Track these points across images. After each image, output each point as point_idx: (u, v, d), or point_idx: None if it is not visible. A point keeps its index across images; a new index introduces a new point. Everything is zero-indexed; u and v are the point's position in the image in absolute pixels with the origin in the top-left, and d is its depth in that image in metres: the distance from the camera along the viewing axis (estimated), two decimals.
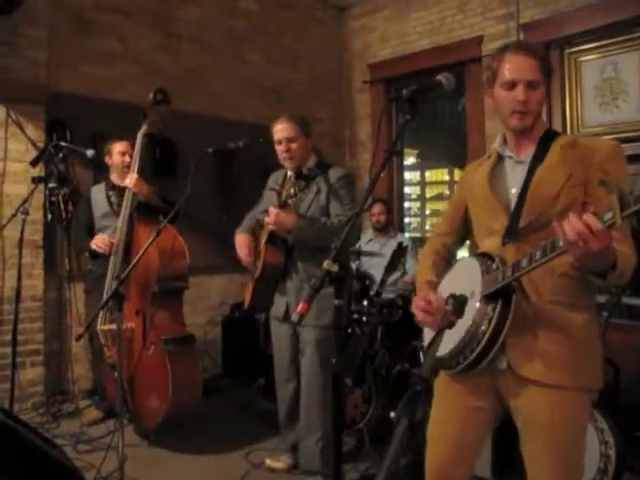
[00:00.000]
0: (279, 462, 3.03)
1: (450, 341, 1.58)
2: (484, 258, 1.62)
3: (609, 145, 1.60)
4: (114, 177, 3.69)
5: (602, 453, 2.50)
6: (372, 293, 3.67)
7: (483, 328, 1.50)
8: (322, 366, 2.76)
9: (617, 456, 2.49)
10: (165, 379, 3.12)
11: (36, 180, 3.59)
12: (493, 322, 1.50)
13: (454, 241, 1.93)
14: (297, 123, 2.80)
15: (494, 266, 1.56)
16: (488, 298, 1.52)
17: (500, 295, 1.51)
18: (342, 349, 1.59)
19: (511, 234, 1.60)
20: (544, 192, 1.57)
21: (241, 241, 2.95)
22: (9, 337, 3.42)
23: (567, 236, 1.27)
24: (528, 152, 1.66)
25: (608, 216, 1.21)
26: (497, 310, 1.50)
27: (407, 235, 5.58)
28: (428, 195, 8.27)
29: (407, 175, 6.47)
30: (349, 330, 3.51)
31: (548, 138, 1.65)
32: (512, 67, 1.60)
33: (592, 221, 1.23)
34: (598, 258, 1.31)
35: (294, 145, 2.79)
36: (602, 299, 3.03)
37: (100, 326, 3.32)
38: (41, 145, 3.82)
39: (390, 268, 3.53)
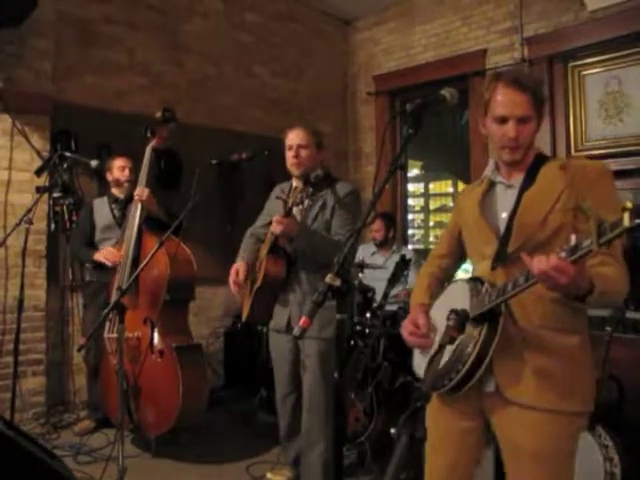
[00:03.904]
0: (280, 476, 3.01)
1: (437, 362, 1.59)
2: (475, 282, 1.63)
3: (598, 167, 1.60)
4: (115, 191, 3.74)
5: (607, 471, 2.47)
6: (375, 306, 3.65)
7: (469, 350, 1.51)
8: (324, 379, 2.74)
9: (622, 474, 2.46)
10: (175, 387, 3.14)
11: (40, 190, 3.61)
12: (479, 344, 1.50)
13: (451, 263, 1.94)
14: (311, 133, 2.84)
15: (483, 290, 1.57)
16: (475, 321, 1.53)
17: (487, 318, 1.51)
18: (344, 363, 1.58)
19: (500, 259, 1.61)
20: (531, 217, 1.57)
21: (235, 269, 2.84)
22: (11, 346, 3.43)
23: (533, 272, 1.32)
24: (519, 177, 1.67)
25: (586, 243, 1.23)
26: (483, 333, 1.50)
27: (410, 247, 5.57)
28: (432, 207, 8.27)
29: (411, 187, 6.47)
30: (351, 342, 3.49)
31: (538, 163, 1.66)
32: (503, 102, 1.60)
33: (554, 263, 1.26)
34: (568, 289, 1.34)
35: (304, 152, 2.81)
36: (606, 313, 3.00)
37: (107, 334, 3.34)
38: (46, 155, 3.84)
39: (393, 281, 3.52)
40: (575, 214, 1.53)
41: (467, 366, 1.50)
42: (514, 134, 1.59)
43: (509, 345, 1.54)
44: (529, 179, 1.64)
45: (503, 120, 1.60)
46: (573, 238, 1.27)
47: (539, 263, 1.29)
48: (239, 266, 2.86)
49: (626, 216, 1.12)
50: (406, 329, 1.74)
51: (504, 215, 1.65)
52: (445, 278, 1.93)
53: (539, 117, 1.63)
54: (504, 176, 1.71)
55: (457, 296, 1.66)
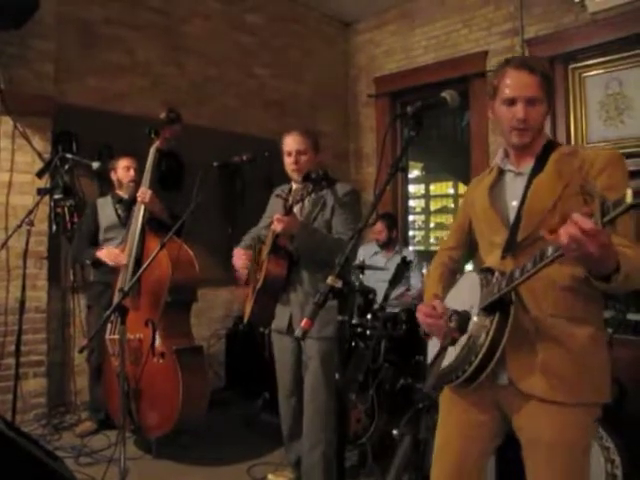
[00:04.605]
0: (282, 477, 3.01)
1: (449, 354, 1.58)
2: (485, 272, 1.62)
3: (608, 153, 1.58)
4: (120, 192, 3.74)
5: (608, 472, 2.47)
6: (376, 307, 3.65)
7: (481, 340, 1.49)
8: (326, 380, 2.73)
9: (624, 475, 2.45)
10: (175, 390, 3.14)
11: (42, 191, 3.61)
12: (490, 334, 1.48)
13: (461, 254, 1.94)
14: (309, 137, 2.85)
15: (493, 279, 1.55)
16: (486, 311, 1.52)
17: (498, 307, 1.50)
18: (345, 364, 1.58)
19: (510, 247, 1.59)
20: (540, 204, 1.56)
21: (238, 252, 2.94)
22: (12, 348, 3.44)
23: (561, 239, 1.24)
24: (528, 164, 1.66)
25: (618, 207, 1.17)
26: (494, 322, 1.49)
27: (411, 249, 5.57)
28: (432, 208, 8.28)
29: (411, 188, 6.48)
30: (353, 344, 3.49)
31: (548, 149, 1.65)
32: (512, 84, 1.60)
33: (582, 222, 1.19)
34: (597, 259, 1.27)
35: (303, 158, 2.81)
36: (607, 315, 3.00)
37: (109, 335, 3.34)
38: (47, 157, 3.84)
39: (394, 282, 3.52)
40: (585, 199, 1.49)
41: (480, 356, 1.49)
42: (523, 115, 1.58)
43: (521, 336, 1.52)
44: (539, 166, 1.62)
45: (512, 102, 1.60)
46: (597, 202, 1.19)
47: (568, 227, 1.22)
48: (243, 251, 2.92)
49: (629, 193, 1.09)
50: (421, 311, 1.71)
51: (514, 203, 1.63)
52: (457, 268, 1.93)
53: (549, 101, 1.62)
54: (513, 163, 1.70)
55: (468, 288, 1.65)
